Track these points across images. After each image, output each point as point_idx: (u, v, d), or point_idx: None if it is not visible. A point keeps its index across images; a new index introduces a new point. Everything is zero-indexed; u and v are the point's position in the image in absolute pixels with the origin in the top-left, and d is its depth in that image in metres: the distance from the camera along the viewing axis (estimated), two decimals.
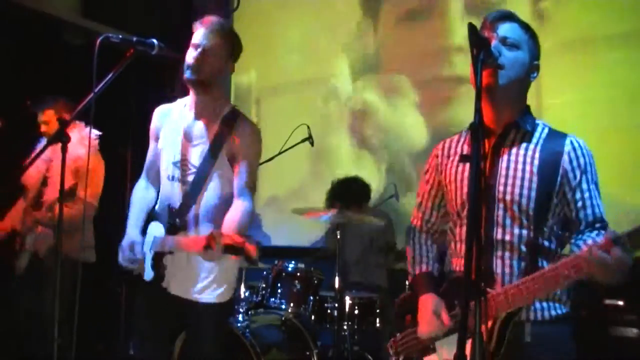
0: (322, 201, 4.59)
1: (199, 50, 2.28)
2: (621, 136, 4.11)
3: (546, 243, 1.78)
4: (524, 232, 1.77)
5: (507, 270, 1.77)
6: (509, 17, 1.85)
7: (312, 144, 4.07)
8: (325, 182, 4.81)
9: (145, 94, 2.51)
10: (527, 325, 1.75)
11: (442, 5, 5.00)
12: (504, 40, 1.80)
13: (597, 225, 1.75)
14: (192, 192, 2.28)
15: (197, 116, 2.37)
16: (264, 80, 6.00)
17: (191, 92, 2.38)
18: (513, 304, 1.68)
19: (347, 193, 4.50)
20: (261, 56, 5.96)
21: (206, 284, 2.32)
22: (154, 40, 2.23)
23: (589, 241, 1.65)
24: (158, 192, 2.49)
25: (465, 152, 1.93)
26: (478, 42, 1.64)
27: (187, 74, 2.28)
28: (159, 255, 2.29)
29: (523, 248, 1.77)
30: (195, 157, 2.32)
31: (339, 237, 3.73)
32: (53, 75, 4.48)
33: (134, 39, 2.17)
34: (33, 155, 3.58)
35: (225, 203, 2.32)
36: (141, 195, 2.50)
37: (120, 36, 2.15)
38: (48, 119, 3.66)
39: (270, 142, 4.22)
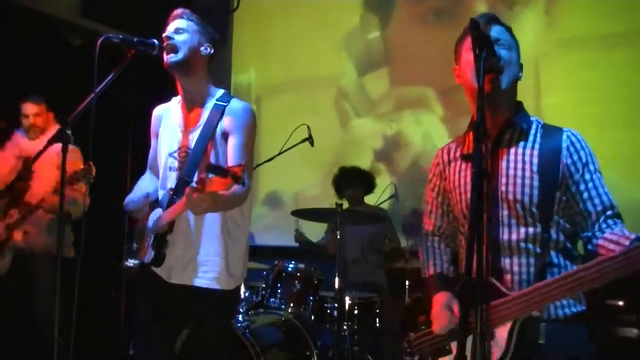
0: (322, 201, 4.60)
1: (172, 31, 2.30)
2: (620, 136, 4.13)
3: (556, 237, 1.78)
4: (530, 230, 1.77)
5: (518, 269, 1.77)
6: (497, 20, 1.88)
7: (312, 144, 4.06)
8: (325, 182, 4.82)
9: (145, 94, 2.51)
10: (541, 325, 1.73)
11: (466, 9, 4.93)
12: (497, 41, 1.81)
13: (609, 212, 1.74)
14: (188, 172, 2.27)
15: (189, 106, 2.38)
16: (263, 79, 6.00)
17: (178, 85, 2.38)
18: (556, 297, 1.66)
19: (353, 176, 4.57)
20: (261, 55, 5.98)
21: (209, 269, 2.31)
22: (155, 41, 2.22)
23: (621, 235, 1.66)
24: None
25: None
26: (481, 39, 1.64)
27: (166, 59, 2.27)
28: (159, 237, 2.28)
29: (530, 246, 1.77)
30: (189, 141, 2.33)
31: (339, 237, 3.73)
32: (53, 75, 4.48)
33: (135, 39, 2.16)
34: (26, 153, 3.64)
35: None
36: (145, 180, 2.55)
37: (121, 36, 2.14)
38: (40, 112, 3.72)
39: (270, 142, 4.25)
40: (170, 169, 2.37)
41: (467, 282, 1.85)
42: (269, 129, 5.59)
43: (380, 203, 4.68)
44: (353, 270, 4.37)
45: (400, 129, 5.21)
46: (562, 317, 1.75)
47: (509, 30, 1.88)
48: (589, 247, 1.76)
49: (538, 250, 1.77)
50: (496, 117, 1.85)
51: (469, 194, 1.88)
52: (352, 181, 4.56)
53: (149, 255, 2.29)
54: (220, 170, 1.83)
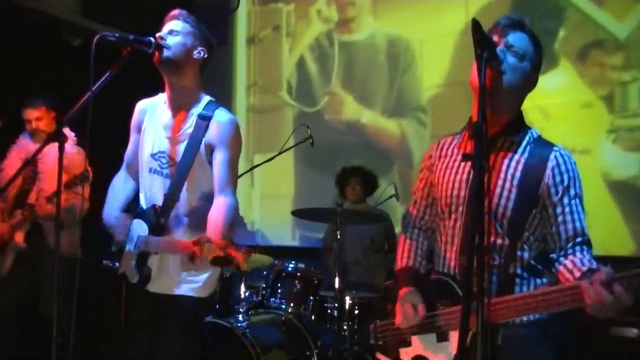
0: (321, 202, 4.59)
1: (165, 32, 2.28)
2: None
3: (524, 254, 1.80)
4: (498, 241, 1.79)
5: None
6: (520, 26, 1.83)
7: (312, 144, 4.04)
8: (325, 181, 4.81)
9: (144, 94, 2.51)
10: (498, 329, 1.75)
11: None
12: (510, 47, 1.79)
13: (578, 239, 1.75)
14: (174, 190, 2.26)
15: (175, 109, 2.35)
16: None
17: (167, 86, 2.35)
18: (502, 317, 1.70)
19: (355, 175, 4.55)
20: None
21: (185, 278, 2.29)
22: (151, 38, 2.21)
23: (579, 265, 1.68)
24: (136, 185, 2.47)
25: (460, 153, 1.94)
26: (482, 41, 1.63)
27: (158, 56, 2.24)
28: (143, 256, 2.26)
29: (496, 257, 1.79)
30: (175, 151, 2.30)
31: (339, 237, 3.72)
32: (53, 75, 4.47)
33: (131, 37, 2.14)
34: (30, 156, 3.65)
35: (207, 199, 2.30)
36: (119, 184, 2.50)
37: (117, 34, 2.13)
38: (41, 115, 3.71)
39: (270, 142, 4.26)
40: (151, 170, 2.35)
41: (436, 282, 1.91)
42: (269, 129, 5.59)
43: (381, 203, 4.66)
44: (353, 270, 4.37)
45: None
46: (519, 322, 1.77)
47: (532, 38, 1.83)
48: (553, 269, 1.79)
49: (504, 262, 1.78)
50: (494, 121, 1.82)
51: (449, 192, 1.90)
52: (353, 180, 4.55)
53: (134, 276, 2.28)
54: (225, 261, 1.98)
